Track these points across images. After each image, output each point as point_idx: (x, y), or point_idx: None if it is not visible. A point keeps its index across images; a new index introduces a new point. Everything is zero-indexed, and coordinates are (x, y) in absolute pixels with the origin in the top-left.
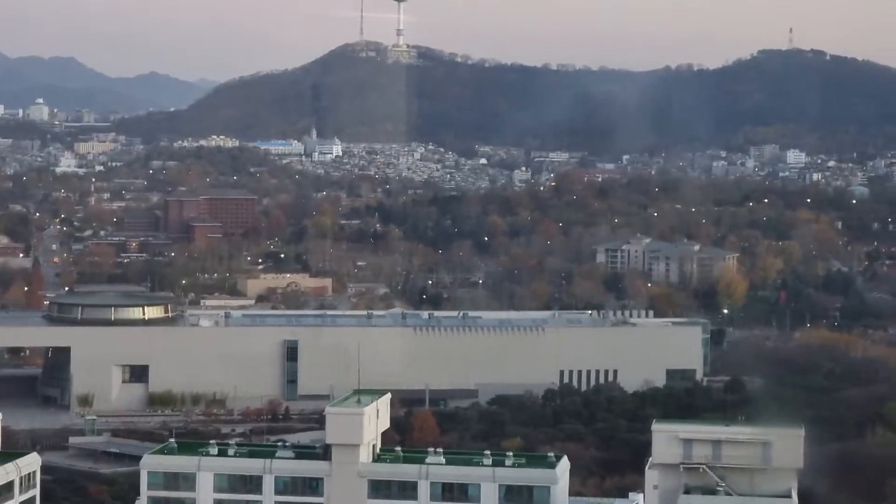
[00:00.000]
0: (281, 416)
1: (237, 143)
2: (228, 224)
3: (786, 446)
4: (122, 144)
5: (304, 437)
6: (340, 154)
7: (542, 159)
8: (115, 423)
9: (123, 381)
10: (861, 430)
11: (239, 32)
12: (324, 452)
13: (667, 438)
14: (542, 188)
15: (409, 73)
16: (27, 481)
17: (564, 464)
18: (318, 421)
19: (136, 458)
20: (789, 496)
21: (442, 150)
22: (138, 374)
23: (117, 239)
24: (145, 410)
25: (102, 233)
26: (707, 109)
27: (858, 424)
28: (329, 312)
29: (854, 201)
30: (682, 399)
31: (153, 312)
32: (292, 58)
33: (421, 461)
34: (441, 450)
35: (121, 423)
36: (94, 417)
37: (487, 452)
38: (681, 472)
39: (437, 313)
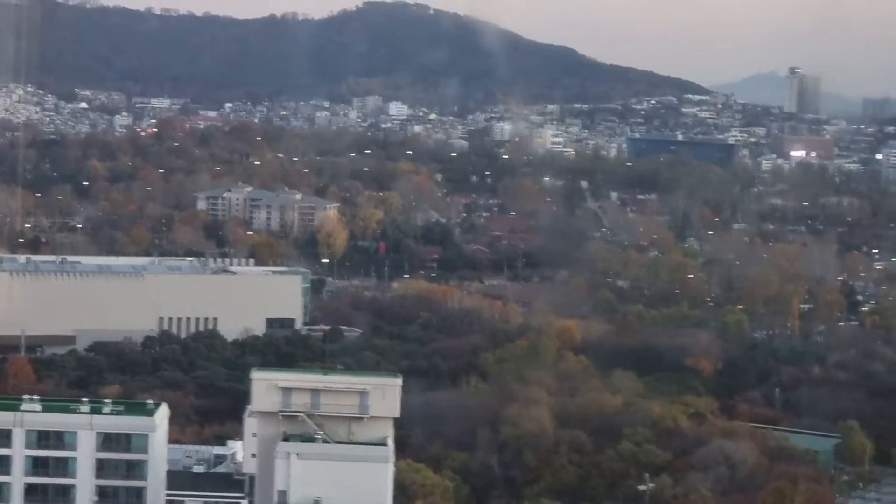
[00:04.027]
0: None
1: None
2: None
3: (383, 395)
4: None
5: None
6: None
7: (143, 105)
8: None
9: None
10: (456, 380)
11: None
12: None
13: (266, 387)
14: (143, 134)
15: (6, 11)
16: None
17: (163, 411)
18: None
19: None
20: (385, 444)
21: (41, 92)
22: None
23: None
24: None
25: None
26: (311, 59)
27: (453, 374)
28: None
29: (453, 154)
30: (281, 348)
31: None
32: None
33: (16, 409)
34: (37, 397)
35: None
36: None
37: (85, 400)
38: (279, 420)
39: (34, 258)
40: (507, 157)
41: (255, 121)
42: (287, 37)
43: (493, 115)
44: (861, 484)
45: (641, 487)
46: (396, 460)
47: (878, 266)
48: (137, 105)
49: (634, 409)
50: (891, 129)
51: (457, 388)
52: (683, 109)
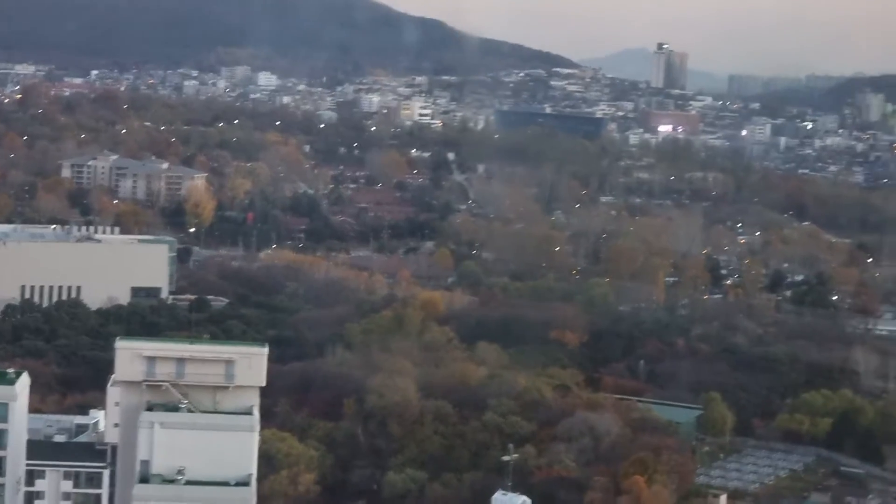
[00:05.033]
0: None
1: None
2: None
3: (249, 364)
4: None
5: None
6: None
7: (7, 71)
8: None
9: None
10: (322, 350)
11: None
12: None
13: (130, 356)
14: (6, 100)
15: None
16: None
17: (24, 380)
18: None
19: None
20: (251, 413)
21: None
22: None
23: None
24: None
25: None
26: (180, 27)
27: (319, 344)
28: None
29: (322, 125)
30: (147, 317)
31: None
32: None
33: None
34: None
35: None
36: None
37: None
38: (143, 390)
39: None
40: (374, 128)
41: (122, 89)
42: (156, 4)
43: (361, 86)
44: (722, 455)
45: (506, 458)
46: (262, 429)
47: (741, 240)
48: (1, 71)
49: (499, 381)
50: (755, 105)
51: (323, 357)
52: (552, 83)
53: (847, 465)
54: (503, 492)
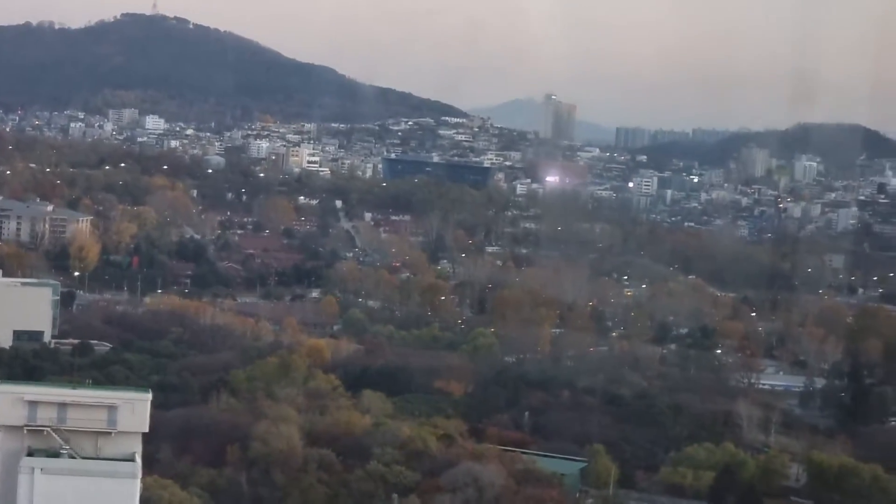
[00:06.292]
0: None
1: None
2: None
3: (132, 410)
4: None
5: None
6: None
7: None
8: None
9: None
10: (206, 396)
11: None
12: None
13: (11, 400)
14: None
15: None
16: None
17: None
18: None
19: None
20: (133, 460)
21: None
22: None
23: None
24: None
25: None
26: (67, 69)
27: (204, 390)
28: None
29: (210, 170)
30: (29, 361)
31: None
32: None
33: None
34: None
35: None
36: None
37: None
38: (24, 435)
39: None
40: (263, 175)
41: (7, 129)
42: (42, 45)
43: (250, 132)
44: None
45: None
46: (144, 476)
47: (627, 292)
48: None
49: (383, 430)
50: (642, 157)
51: (207, 404)
52: (440, 131)
53: None
54: None
